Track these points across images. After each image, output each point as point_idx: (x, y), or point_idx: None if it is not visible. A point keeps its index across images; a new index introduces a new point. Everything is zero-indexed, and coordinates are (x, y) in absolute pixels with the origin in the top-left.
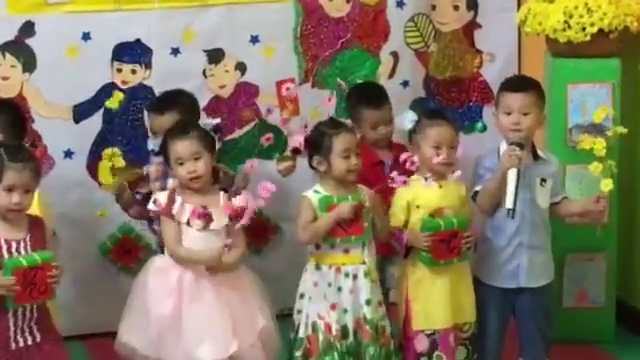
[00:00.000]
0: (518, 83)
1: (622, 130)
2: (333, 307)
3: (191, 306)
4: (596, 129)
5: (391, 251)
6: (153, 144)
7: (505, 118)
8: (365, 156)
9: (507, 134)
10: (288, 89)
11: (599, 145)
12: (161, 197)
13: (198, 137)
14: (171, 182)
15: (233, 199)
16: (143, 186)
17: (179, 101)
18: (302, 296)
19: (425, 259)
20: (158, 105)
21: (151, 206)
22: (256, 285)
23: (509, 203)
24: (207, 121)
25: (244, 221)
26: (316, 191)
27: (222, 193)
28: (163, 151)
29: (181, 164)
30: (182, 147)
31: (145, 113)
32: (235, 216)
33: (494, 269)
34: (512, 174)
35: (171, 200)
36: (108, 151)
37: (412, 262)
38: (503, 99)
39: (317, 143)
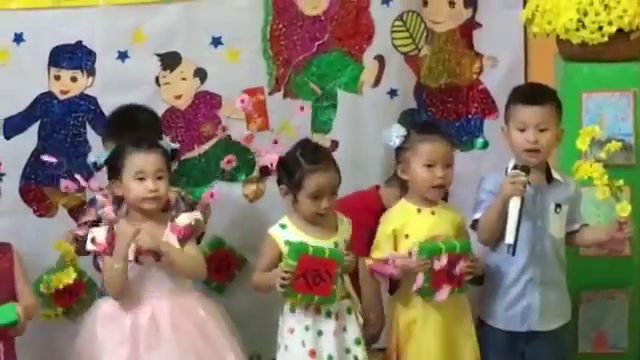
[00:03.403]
0: (533, 93)
1: (616, 146)
2: (312, 354)
3: (149, 356)
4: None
5: None
6: (96, 156)
7: (519, 136)
8: None
9: (521, 155)
10: (243, 101)
11: (597, 172)
12: (99, 234)
13: (163, 154)
14: (107, 210)
15: (177, 219)
16: (87, 213)
17: (137, 121)
18: (279, 347)
19: (423, 290)
20: (113, 129)
21: (89, 246)
22: (224, 321)
23: (509, 238)
24: (165, 143)
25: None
26: (283, 225)
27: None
28: (112, 164)
29: (141, 179)
30: (147, 161)
31: (87, 126)
32: (184, 236)
33: (500, 310)
34: (514, 204)
35: (111, 236)
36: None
37: (404, 299)
38: (516, 113)
39: (289, 171)
